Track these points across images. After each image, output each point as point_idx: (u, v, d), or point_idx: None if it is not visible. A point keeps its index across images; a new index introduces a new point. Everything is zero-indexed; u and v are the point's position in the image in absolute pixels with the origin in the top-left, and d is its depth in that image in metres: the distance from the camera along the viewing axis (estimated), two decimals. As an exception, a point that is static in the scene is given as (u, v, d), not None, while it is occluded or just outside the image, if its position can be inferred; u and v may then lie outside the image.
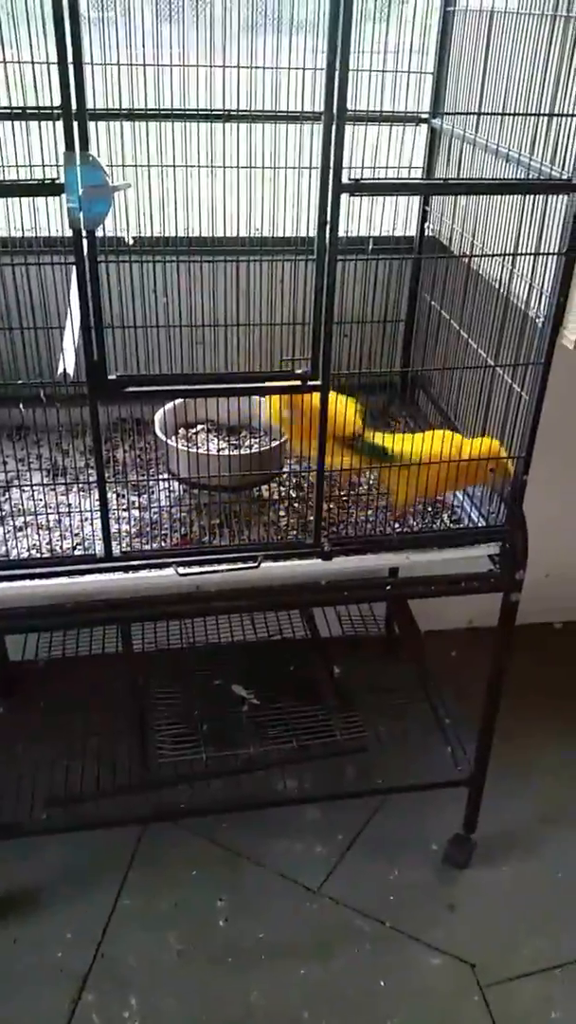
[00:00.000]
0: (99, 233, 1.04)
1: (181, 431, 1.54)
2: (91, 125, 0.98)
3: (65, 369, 1.09)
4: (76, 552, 1.34)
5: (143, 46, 1.24)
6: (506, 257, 1.29)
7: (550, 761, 1.97)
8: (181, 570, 1.31)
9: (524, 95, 1.23)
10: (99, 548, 1.30)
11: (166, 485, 1.49)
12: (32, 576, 1.28)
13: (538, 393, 1.27)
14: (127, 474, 1.54)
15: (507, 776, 1.87)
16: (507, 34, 1.26)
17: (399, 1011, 1.51)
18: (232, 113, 1.31)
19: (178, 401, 1.50)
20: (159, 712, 1.79)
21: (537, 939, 1.63)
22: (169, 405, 1.50)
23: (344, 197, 1.08)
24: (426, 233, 1.59)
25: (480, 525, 1.44)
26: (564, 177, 1.14)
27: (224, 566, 1.32)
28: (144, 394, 1.18)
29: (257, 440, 1.54)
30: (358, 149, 1.36)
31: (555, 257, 1.18)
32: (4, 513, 1.41)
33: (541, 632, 2.33)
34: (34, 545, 1.35)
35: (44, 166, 1.21)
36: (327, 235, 1.09)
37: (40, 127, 1.25)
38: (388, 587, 1.51)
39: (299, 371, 1.21)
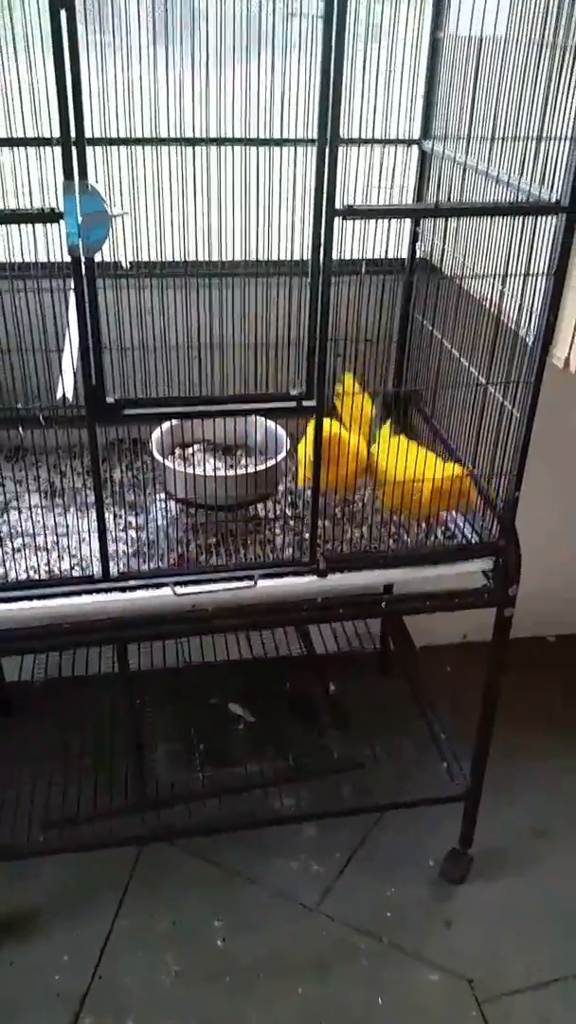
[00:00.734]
0: (96, 258, 1.05)
1: (177, 451, 1.55)
2: (88, 151, 1.00)
3: (64, 393, 1.10)
4: (74, 573, 1.34)
5: (139, 68, 1.26)
6: (496, 277, 1.31)
7: (546, 775, 1.97)
8: (178, 589, 1.31)
9: (513, 118, 1.25)
10: (96, 568, 1.31)
11: (163, 505, 1.50)
12: (30, 597, 1.29)
13: (529, 410, 1.29)
14: (124, 494, 1.55)
15: (503, 791, 1.88)
16: (495, 60, 1.28)
17: (398, 1029, 1.51)
18: (226, 139, 1.32)
19: (174, 421, 1.51)
20: (156, 732, 1.80)
21: (534, 954, 1.63)
22: (165, 425, 1.52)
23: (337, 220, 1.10)
24: (417, 254, 1.62)
25: (474, 541, 1.46)
26: (553, 200, 1.17)
27: (221, 585, 1.33)
28: (142, 417, 1.20)
29: (253, 460, 1.55)
30: (350, 170, 1.38)
31: (544, 277, 1.21)
32: (2, 535, 1.42)
33: (535, 646, 2.34)
34: (32, 566, 1.36)
35: (30, 192, 1.22)
36: (321, 258, 1.11)
37: (32, 153, 1.27)
38: (384, 603, 1.52)
39: (294, 392, 1.22)
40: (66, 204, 0.98)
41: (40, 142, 1.21)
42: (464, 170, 1.37)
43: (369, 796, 1.81)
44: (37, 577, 1.33)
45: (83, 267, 1.03)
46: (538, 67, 1.18)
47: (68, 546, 1.39)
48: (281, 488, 1.53)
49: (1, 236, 1.13)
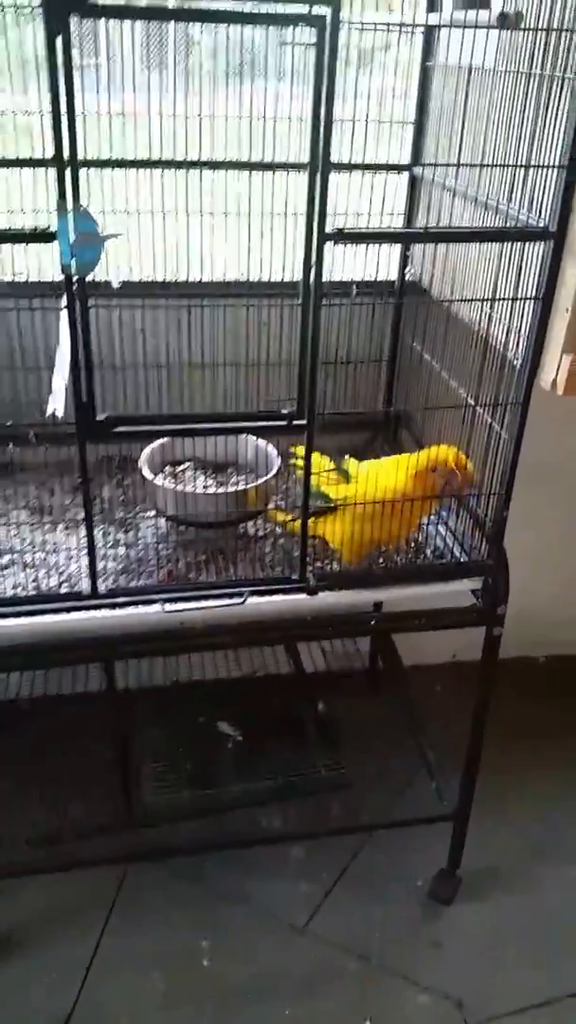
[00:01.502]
0: (88, 278, 1.06)
1: (168, 468, 1.56)
2: (81, 171, 1.01)
3: (55, 410, 1.11)
4: (62, 590, 1.34)
5: (134, 91, 1.28)
6: (484, 301, 1.33)
7: (535, 795, 1.97)
8: (167, 607, 1.32)
9: (502, 145, 1.28)
10: (85, 585, 1.31)
11: (152, 522, 1.51)
12: (17, 614, 1.29)
13: (517, 432, 1.30)
14: (113, 511, 1.55)
15: (492, 811, 1.87)
16: (484, 88, 1.31)
17: (386, 1052, 1.50)
18: (221, 162, 1.34)
19: (164, 439, 1.52)
20: (143, 750, 1.79)
21: (523, 975, 1.63)
22: (156, 443, 1.52)
23: (328, 244, 1.12)
24: (407, 278, 1.64)
25: (462, 560, 1.47)
26: (540, 225, 1.19)
27: (210, 602, 1.34)
28: (132, 434, 1.20)
29: (243, 477, 1.56)
30: (342, 194, 1.41)
31: (531, 301, 1.22)
32: (-10, 551, 1.42)
33: (525, 666, 2.35)
34: (19, 583, 1.36)
35: (21, 211, 1.24)
36: (311, 281, 1.12)
37: (27, 174, 1.29)
38: (373, 622, 1.52)
39: (285, 411, 1.23)
40: (59, 224, 0.99)
41: (34, 163, 1.23)
42: (453, 195, 1.39)
43: (358, 816, 1.81)
44: (24, 594, 1.33)
45: (75, 286, 1.04)
46: (526, 97, 1.20)
47: (56, 563, 1.39)
48: (272, 506, 1.54)
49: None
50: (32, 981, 1.56)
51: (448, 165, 1.42)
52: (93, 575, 1.29)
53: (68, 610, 1.30)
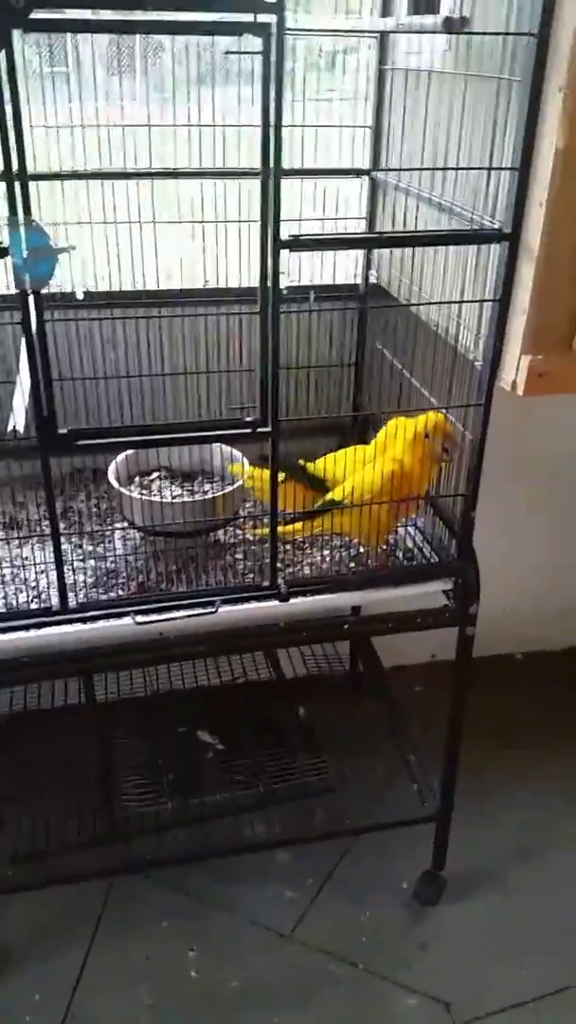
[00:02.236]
0: (46, 290, 1.06)
1: (137, 479, 1.55)
2: (32, 185, 1.01)
3: (15, 426, 1.10)
4: (32, 605, 1.34)
5: (94, 100, 1.28)
6: (444, 304, 1.33)
7: (518, 793, 1.98)
8: (139, 618, 1.31)
9: (464, 148, 1.28)
10: (55, 600, 1.30)
11: (123, 534, 1.50)
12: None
13: (481, 432, 1.30)
14: (83, 524, 1.54)
15: (475, 810, 1.88)
16: (442, 91, 1.31)
17: (374, 1056, 1.49)
18: (175, 171, 1.34)
19: (130, 451, 1.52)
20: (124, 763, 1.78)
21: (510, 974, 1.63)
22: (123, 455, 1.52)
23: (284, 251, 1.12)
24: (370, 280, 1.64)
25: (433, 561, 1.47)
26: (495, 228, 1.19)
27: (182, 612, 1.33)
28: (95, 446, 1.20)
29: (212, 485, 1.56)
30: (302, 200, 1.41)
31: (491, 303, 1.23)
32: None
33: (503, 663, 2.35)
34: (-10, 600, 1.35)
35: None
36: (269, 288, 1.12)
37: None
38: (346, 626, 1.52)
39: (248, 419, 1.23)
40: (10, 238, 0.99)
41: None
42: (418, 199, 1.40)
43: (341, 820, 1.80)
44: (-5, 611, 1.32)
45: (30, 300, 1.04)
46: (478, 100, 1.21)
47: (26, 578, 1.39)
48: (242, 514, 1.54)
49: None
50: (19, 1002, 1.55)
51: (402, 170, 1.42)
52: (62, 589, 1.28)
53: (38, 626, 1.29)
